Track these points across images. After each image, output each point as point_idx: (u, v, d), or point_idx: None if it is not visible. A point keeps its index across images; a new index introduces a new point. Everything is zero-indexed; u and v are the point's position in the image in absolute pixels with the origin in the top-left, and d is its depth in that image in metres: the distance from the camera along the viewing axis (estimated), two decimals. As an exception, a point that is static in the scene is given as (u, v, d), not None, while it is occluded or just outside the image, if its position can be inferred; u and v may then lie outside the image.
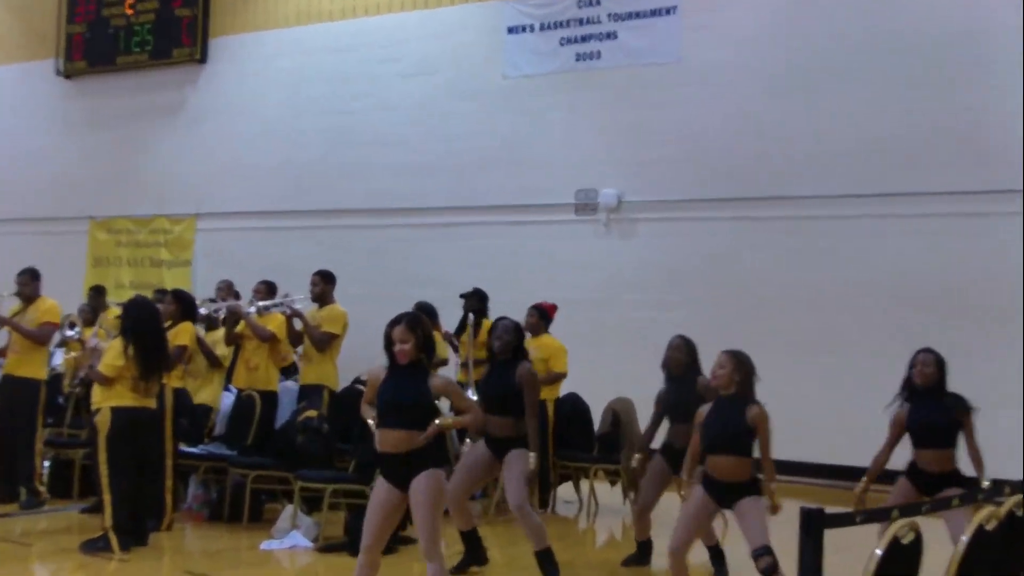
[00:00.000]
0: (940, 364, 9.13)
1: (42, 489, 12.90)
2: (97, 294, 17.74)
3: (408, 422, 7.59)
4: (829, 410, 14.78)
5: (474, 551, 10.04)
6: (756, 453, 8.26)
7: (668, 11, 17.40)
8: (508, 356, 9.78)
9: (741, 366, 8.24)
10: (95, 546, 10.44)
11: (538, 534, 9.54)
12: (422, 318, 8.03)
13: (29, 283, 13.09)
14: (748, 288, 16.20)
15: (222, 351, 13.51)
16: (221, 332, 13.65)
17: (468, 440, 10.30)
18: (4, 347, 13.28)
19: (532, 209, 18.37)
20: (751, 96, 16.72)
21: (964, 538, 5.66)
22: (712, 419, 8.27)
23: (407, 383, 7.68)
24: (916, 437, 9.01)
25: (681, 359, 10.21)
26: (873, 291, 15.55)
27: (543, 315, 13.35)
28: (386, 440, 7.64)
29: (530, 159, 18.48)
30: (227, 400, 13.43)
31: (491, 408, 9.57)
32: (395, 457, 7.63)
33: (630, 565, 10.54)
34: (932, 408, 8.94)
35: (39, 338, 12.92)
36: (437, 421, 7.61)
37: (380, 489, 7.74)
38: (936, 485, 8.79)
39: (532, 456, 9.56)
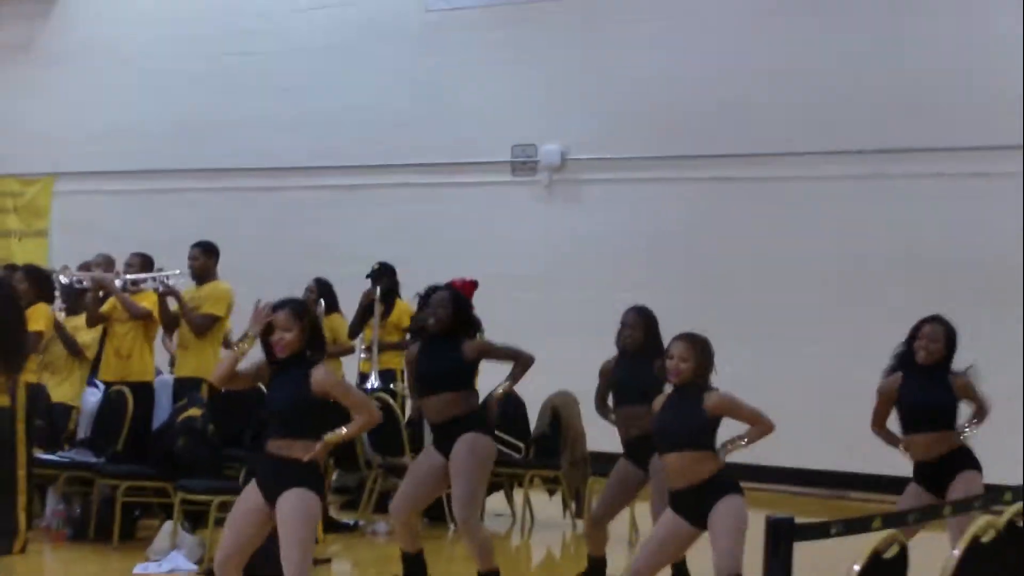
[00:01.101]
0: (950, 339, 9.11)
1: None
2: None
3: (290, 431, 7.74)
4: (808, 407, 14.83)
5: None
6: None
7: (626, -70, 17.56)
8: (449, 330, 9.77)
9: (702, 352, 8.23)
10: (-67, 572, 10.53)
11: (484, 552, 9.68)
12: (308, 305, 8.18)
13: None
14: (715, 262, 16.35)
15: (84, 338, 13.41)
16: (82, 318, 13.46)
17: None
18: None
19: (460, 168, 18.62)
20: (723, 35, 16.93)
21: (956, 551, 5.74)
22: (664, 415, 8.28)
23: (285, 385, 7.82)
24: (907, 419, 9.06)
25: (638, 336, 10.31)
26: (861, 264, 15.80)
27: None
28: (270, 447, 7.80)
29: (458, 110, 18.63)
30: (92, 397, 13.34)
31: (431, 389, 9.73)
32: (265, 465, 7.84)
33: None
34: (930, 388, 8.97)
35: None
36: (325, 437, 7.71)
37: (247, 494, 7.92)
38: (941, 475, 8.86)
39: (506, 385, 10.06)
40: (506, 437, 12.83)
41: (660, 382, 9.64)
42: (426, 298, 10.07)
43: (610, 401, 10.54)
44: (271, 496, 7.68)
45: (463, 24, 18.69)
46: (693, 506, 8.08)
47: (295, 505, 7.63)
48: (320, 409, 7.80)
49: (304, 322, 7.83)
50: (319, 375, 7.72)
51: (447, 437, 9.73)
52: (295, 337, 7.76)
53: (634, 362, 10.27)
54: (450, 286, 10.03)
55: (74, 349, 13.27)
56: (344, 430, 7.84)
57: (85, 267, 14.63)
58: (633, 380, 10.19)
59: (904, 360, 9.10)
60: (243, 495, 7.95)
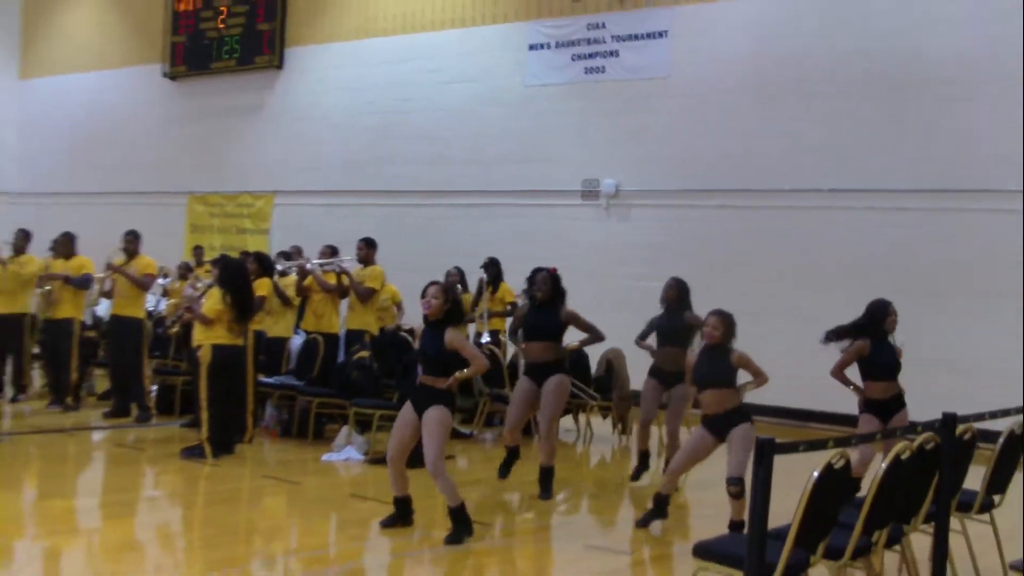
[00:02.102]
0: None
1: (151, 407, 13.18)
2: (199, 253, 18.09)
3: (433, 370, 7.85)
4: (785, 361, 14.67)
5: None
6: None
7: (661, 35, 17.36)
8: (549, 300, 9.85)
9: (729, 324, 8.24)
10: (192, 453, 10.66)
11: (553, 450, 9.86)
12: (452, 286, 8.26)
13: (133, 242, 13.23)
14: (720, 264, 16.22)
15: (291, 293, 13.34)
16: (290, 278, 13.46)
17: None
18: (109, 291, 13.40)
19: (545, 194, 18.35)
20: (728, 105, 16.64)
21: (883, 464, 5.72)
22: (701, 363, 8.25)
23: (431, 339, 7.89)
24: (875, 372, 8.90)
25: (673, 295, 10.45)
26: (822, 268, 15.59)
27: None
28: (421, 379, 7.95)
29: (545, 154, 18.42)
30: (297, 341, 13.42)
31: (534, 338, 9.83)
32: (417, 391, 7.92)
33: (639, 477, 10.64)
34: (890, 350, 8.91)
35: (143, 285, 13.12)
36: (455, 375, 7.81)
37: (404, 411, 8.01)
38: (891, 410, 8.84)
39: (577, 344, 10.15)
40: (576, 382, 12.78)
41: (689, 329, 10.06)
42: (532, 277, 10.12)
43: (652, 341, 10.64)
44: (420, 411, 7.83)
45: (549, 95, 18.51)
46: (719, 427, 8.18)
47: (435, 417, 7.76)
48: (450, 356, 7.84)
49: (447, 296, 7.92)
50: (449, 335, 7.83)
51: (541, 374, 9.83)
52: (439, 304, 7.85)
53: (670, 315, 10.45)
54: (549, 269, 10.05)
55: (285, 300, 13.19)
56: (465, 372, 7.89)
57: (285, 255, 14.79)
58: (670, 327, 10.44)
59: (870, 330, 8.91)
60: (402, 411, 8.05)
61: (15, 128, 27.45)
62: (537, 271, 10.10)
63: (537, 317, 9.88)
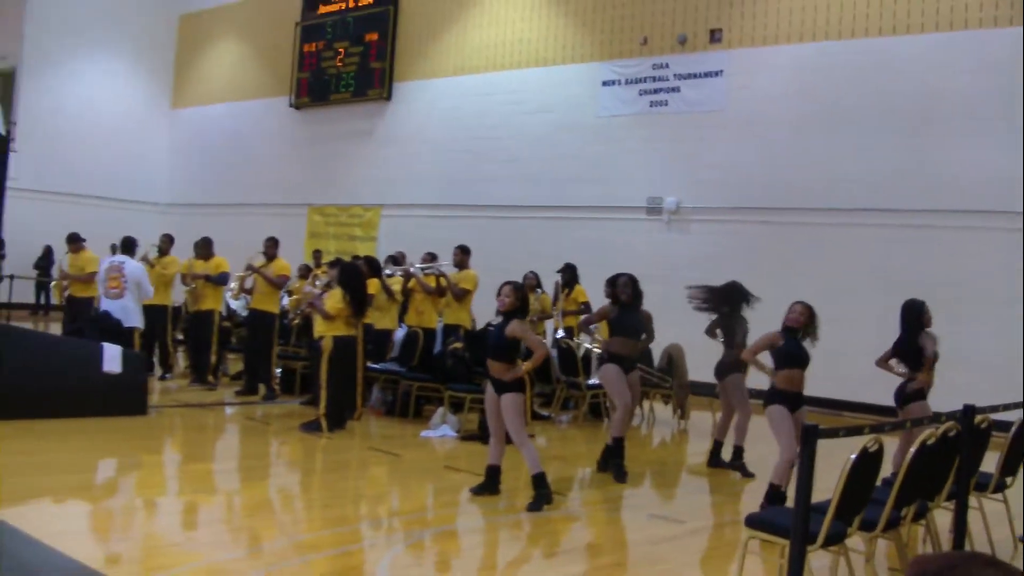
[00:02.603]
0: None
1: (276, 387, 13.30)
2: (318, 256, 18.22)
3: (498, 356, 7.80)
4: (820, 358, 14.52)
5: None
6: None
7: (716, 74, 17.24)
8: (631, 301, 9.65)
9: (813, 315, 8.03)
10: (311, 427, 10.71)
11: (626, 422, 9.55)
12: (524, 286, 8.18)
13: (272, 246, 13.41)
14: (764, 271, 15.97)
15: (396, 288, 13.28)
16: (396, 279, 13.42)
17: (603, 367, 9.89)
18: (250, 288, 13.56)
19: (615, 210, 18.25)
20: (773, 135, 16.49)
21: (912, 449, 5.65)
22: (786, 348, 7.94)
23: (498, 329, 7.88)
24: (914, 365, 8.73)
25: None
26: (852, 278, 15.37)
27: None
28: (490, 367, 7.93)
29: (614, 175, 18.32)
30: (400, 333, 13.39)
31: (627, 336, 9.58)
32: (494, 379, 7.89)
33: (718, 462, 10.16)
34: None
35: (278, 285, 13.23)
36: (522, 367, 7.75)
37: (489, 392, 7.99)
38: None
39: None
40: (649, 370, 12.74)
41: (745, 331, 9.76)
42: (613, 281, 9.87)
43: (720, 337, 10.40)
44: (498, 393, 7.86)
45: (618, 125, 18.41)
46: (795, 403, 7.90)
47: (508, 403, 7.79)
48: (511, 343, 7.81)
49: (519, 293, 7.90)
50: (512, 325, 7.80)
51: (630, 365, 9.66)
52: (511, 301, 7.83)
53: (731, 316, 10.30)
54: (629, 274, 9.85)
55: (390, 294, 13.16)
56: (528, 363, 7.82)
57: (393, 259, 14.82)
58: (729, 327, 10.24)
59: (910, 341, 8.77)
60: (488, 392, 8.05)
61: (166, 150, 27.94)
62: (619, 276, 9.83)
63: (624, 316, 9.62)
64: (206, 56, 27.38)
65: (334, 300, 10.80)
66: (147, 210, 26.89)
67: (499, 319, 8.05)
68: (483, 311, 14.63)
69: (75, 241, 14.52)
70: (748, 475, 9.72)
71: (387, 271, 13.55)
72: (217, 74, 26.93)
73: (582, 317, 11.75)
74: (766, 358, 8.07)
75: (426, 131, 21.64)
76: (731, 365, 9.97)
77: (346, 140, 23.20)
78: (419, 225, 20.95)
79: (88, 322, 11.84)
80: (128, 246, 13.13)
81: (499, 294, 7.94)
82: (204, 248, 14.05)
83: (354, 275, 11.10)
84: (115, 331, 11.78)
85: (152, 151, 27.66)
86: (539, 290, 14.65)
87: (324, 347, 10.78)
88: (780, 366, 7.92)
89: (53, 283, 14.30)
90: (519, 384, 7.83)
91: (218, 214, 25.13)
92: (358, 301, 10.88)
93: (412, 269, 13.32)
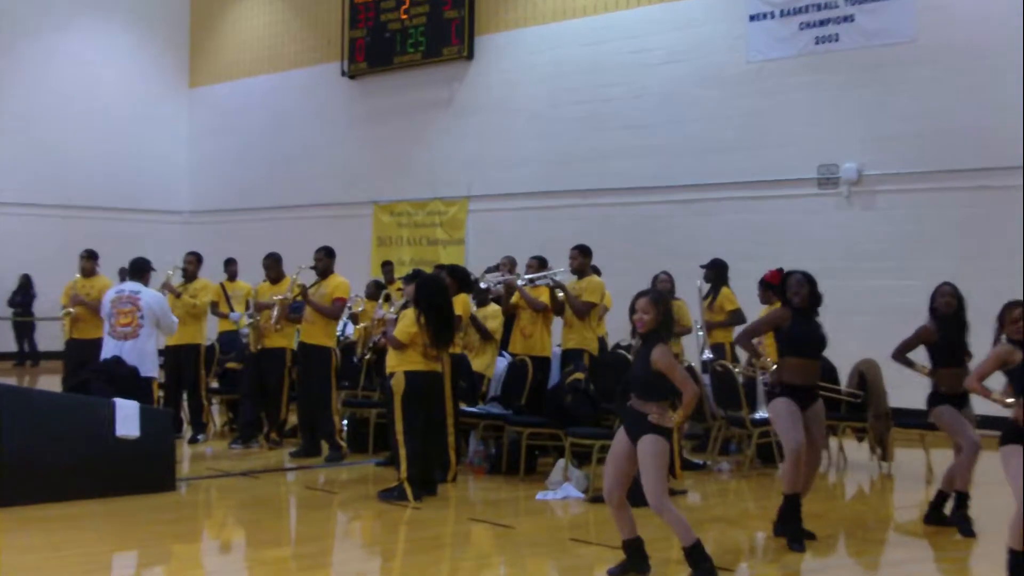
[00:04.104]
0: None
1: (342, 444, 13.30)
2: (389, 269, 18.21)
3: (645, 392, 7.73)
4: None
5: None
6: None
7: (903, -8, 16.92)
8: (808, 306, 9.27)
9: None
10: (391, 495, 10.66)
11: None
12: (664, 296, 8.12)
13: (324, 259, 13.40)
14: (990, 256, 15.50)
15: (492, 325, 13.40)
16: (491, 308, 13.54)
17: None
18: (295, 315, 13.61)
19: (775, 184, 18.11)
20: (986, 70, 16.12)
21: None
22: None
23: (641, 358, 7.81)
24: None
25: (954, 303, 9.82)
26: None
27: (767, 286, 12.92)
28: (632, 403, 7.84)
29: (773, 138, 18.17)
30: (501, 364, 13.39)
31: (808, 355, 9.20)
32: (632, 411, 7.79)
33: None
34: None
35: (331, 313, 13.27)
36: (672, 417, 7.68)
37: (618, 439, 7.91)
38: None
39: None
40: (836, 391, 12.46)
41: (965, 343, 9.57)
42: (783, 281, 9.51)
43: (915, 356, 10.03)
44: (633, 438, 7.74)
45: (776, 72, 18.22)
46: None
47: (648, 448, 7.67)
48: (658, 377, 7.69)
49: (660, 307, 7.81)
50: (656, 355, 7.71)
51: (811, 397, 9.26)
52: (651, 318, 7.76)
53: (950, 328, 9.82)
54: (802, 272, 9.49)
55: (486, 335, 13.26)
56: (679, 414, 7.75)
57: (493, 268, 14.72)
58: (950, 344, 9.80)
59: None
60: (616, 438, 7.98)
61: (185, 142, 28.58)
62: (789, 274, 9.51)
63: (798, 328, 9.24)
64: (230, 18, 27.90)
65: (405, 323, 10.74)
66: (164, 221, 27.55)
67: (634, 341, 7.99)
68: (611, 330, 14.46)
69: (92, 258, 14.72)
70: (968, 533, 9.44)
71: (483, 283, 13.57)
72: (245, 40, 27.41)
73: (738, 329, 11.46)
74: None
75: (520, 97, 21.73)
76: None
77: (418, 114, 23.38)
78: (518, 220, 21.07)
79: (95, 372, 11.87)
80: (140, 270, 12.96)
81: (633, 310, 7.85)
82: (273, 268, 14.15)
83: (433, 289, 11.00)
84: (130, 382, 11.78)
85: (166, 144, 28.26)
86: (674, 296, 14.40)
87: (395, 386, 10.71)
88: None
89: (63, 313, 14.49)
90: (663, 427, 7.74)
91: (255, 221, 25.68)
92: (439, 324, 10.76)
93: (519, 282, 13.27)
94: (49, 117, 26.21)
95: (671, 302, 9.33)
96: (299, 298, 13.30)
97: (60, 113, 26.37)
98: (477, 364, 13.25)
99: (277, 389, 13.89)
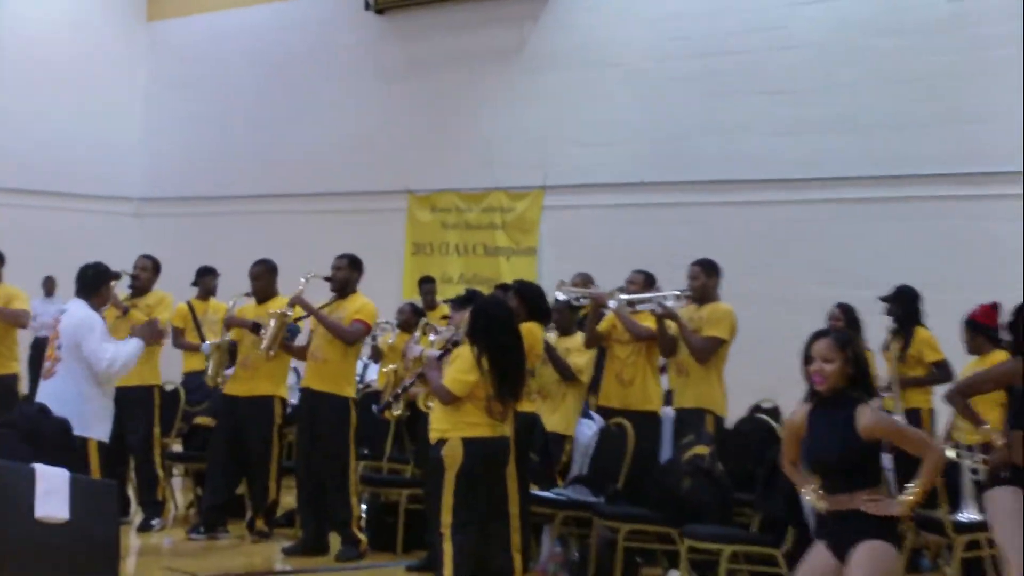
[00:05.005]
0: None
1: (361, 537, 13.24)
2: (428, 287, 17.95)
3: (846, 483, 7.68)
4: None
5: None
6: None
7: None
8: None
9: None
10: (429, 614, 10.60)
11: None
12: (854, 338, 8.13)
13: (346, 271, 13.40)
14: None
15: (578, 361, 13.24)
16: (578, 338, 13.43)
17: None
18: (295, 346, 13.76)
19: (980, 180, 17.94)
20: None
21: None
22: None
23: (828, 427, 7.73)
24: None
25: None
26: None
27: (977, 328, 12.63)
28: (833, 502, 7.77)
29: (973, 113, 18.02)
30: (588, 430, 13.26)
31: None
32: (831, 515, 7.73)
33: None
34: None
35: (347, 336, 13.16)
36: (902, 497, 7.66)
37: (813, 554, 7.87)
38: None
39: None
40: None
41: None
42: (1018, 317, 9.46)
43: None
44: (840, 551, 7.65)
45: (988, 15, 18.02)
46: None
47: (874, 562, 7.56)
48: (874, 453, 7.68)
49: (847, 353, 7.74)
50: (866, 417, 7.61)
51: None
52: (837, 370, 7.68)
53: None
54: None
55: (567, 373, 13.12)
56: (918, 487, 7.60)
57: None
58: None
59: None
60: (809, 556, 7.93)
61: (140, 100, 28.63)
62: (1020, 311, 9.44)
63: None
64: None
65: (461, 368, 10.53)
66: (107, 211, 27.55)
67: (800, 406, 7.93)
68: (744, 383, 14.05)
69: None
70: None
71: (560, 295, 13.47)
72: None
73: (949, 387, 11.09)
74: None
75: (616, 46, 21.73)
76: None
77: (471, 69, 23.49)
78: (611, 221, 21.06)
79: (7, 425, 11.77)
80: (93, 283, 12.56)
81: (808, 358, 7.75)
82: (263, 278, 14.11)
83: (497, 317, 10.81)
84: (58, 441, 11.59)
85: (112, 102, 28.15)
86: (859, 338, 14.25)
87: (447, 459, 10.49)
88: None
89: None
90: (887, 526, 7.63)
91: (235, 214, 25.85)
92: (506, 368, 10.56)
93: (612, 304, 13.13)
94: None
95: (862, 345, 9.04)
96: (297, 321, 13.21)
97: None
98: (554, 421, 13.15)
99: (262, 455, 13.81)
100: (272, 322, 13.30)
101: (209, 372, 13.88)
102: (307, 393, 13.38)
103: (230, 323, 13.85)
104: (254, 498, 13.95)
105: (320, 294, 13.50)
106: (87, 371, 12.18)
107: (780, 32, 19.78)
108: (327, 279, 13.38)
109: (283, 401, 13.98)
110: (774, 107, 19.71)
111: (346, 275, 13.35)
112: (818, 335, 7.86)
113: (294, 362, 14.75)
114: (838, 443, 7.62)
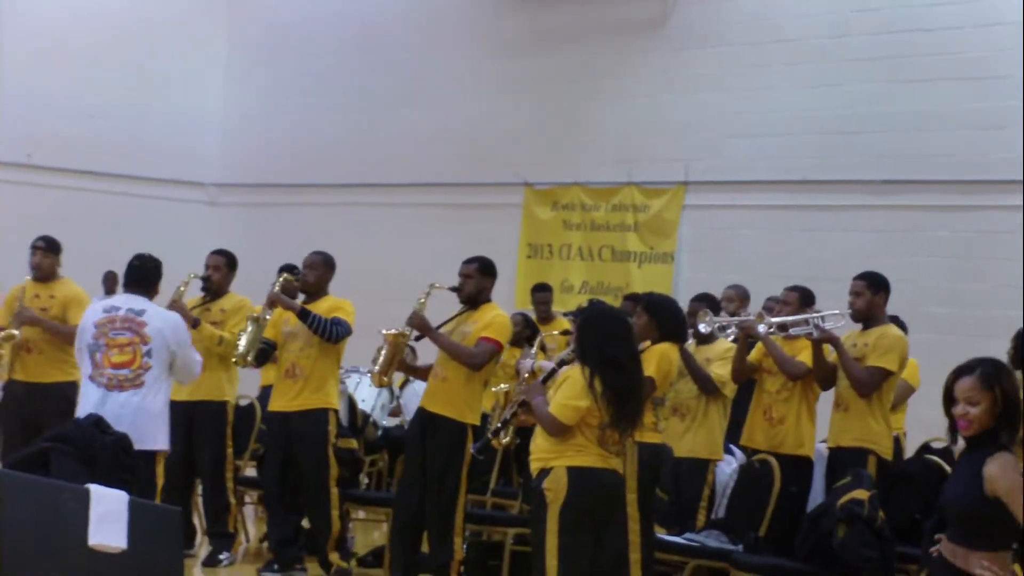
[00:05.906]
0: None
1: (458, 578, 13.32)
2: (543, 295, 18.06)
3: (964, 535, 7.64)
4: None
5: None
6: None
7: None
8: None
9: None
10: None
11: None
12: (1006, 370, 7.85)
13: (477, 277, 13.29)
14: None
15: (721, 373, 13.28)
16: (721, 346, 13.52)
17: None
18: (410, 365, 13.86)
19: None
20: None
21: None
22: None
23: (965, 469, 7.73)
24: None
25: None
26: None
27: None
28: (949, 551, 7.71)
29: None
30: (728, 466, 13.44)
31: None
32: (944, 566, 7.70)
33: None
34: None
35: (472, 360, 12.97)
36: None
37: None
38: None
39: None
40: None
41: None
42: None
43: None
44: None
45: None
46: None
47: None
48: (1001, 511, 7.50)
49: (995, 392, 7.62)
50: (993, 470, 7.49)
51: None
52: (982, 413, 7.61)
53: None
54: None
55: (708, 386, 13.21)
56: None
57: (705, 299, 14.64)
58: None
59: None
60: None
61: (220, 78, 28.90)
62: None
63: None
64: None
65: (570, 393, 10.52)
66: (179, 198, 27.77)
67: (952, 446, 8.23)
68: (913, 417, 14.27)
69: (53, 250, 14.69)
70: None
71: (704, 326, 13.44)
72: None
73: None
74: None
75: (780, 20, 21.79)
76: None
77: (608, 44, 23.54)
78: (766, 226, 21.19)
79: (59, 440, 11.97)
80: (145, 277, 12.76)
81: (951, 398, 7.71)
82: (316, 271, 14.06)
83: (615, 335, 10.80)
84: (117, 460, 11.75)
85: (187, 81, 28.43)
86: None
87: (548, 492, 10.48)
88: None
89: (1, 338, 14.43)
90: None
91: (325, 205, 26.07)
92: (624, 393, 10.56)
93: (761, 328, 13.14)
94: (9, 41, 26.57)
95: (1015, 381, 9.22)
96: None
97: (25, 34, 26.66)
98: (695, 443, 13.25)
99: (318, 478, 13.71)
100: (384, 345, 13.20)
101: (240, 349, 13.54)
102: (421, 414, 13.32)
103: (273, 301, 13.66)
104: (316, 530, 13.83)
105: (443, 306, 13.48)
106: (170, 381, 12.47)
107: (982, 5, 19.79)
108: (454, 289, 13.24)
109: (336, 413, 13.92)
110: (973, 95, 19.64)
111: (477, 284, 13.25)
112: (961, 371, 7.68)
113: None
114: (963, 490, 7.62)
